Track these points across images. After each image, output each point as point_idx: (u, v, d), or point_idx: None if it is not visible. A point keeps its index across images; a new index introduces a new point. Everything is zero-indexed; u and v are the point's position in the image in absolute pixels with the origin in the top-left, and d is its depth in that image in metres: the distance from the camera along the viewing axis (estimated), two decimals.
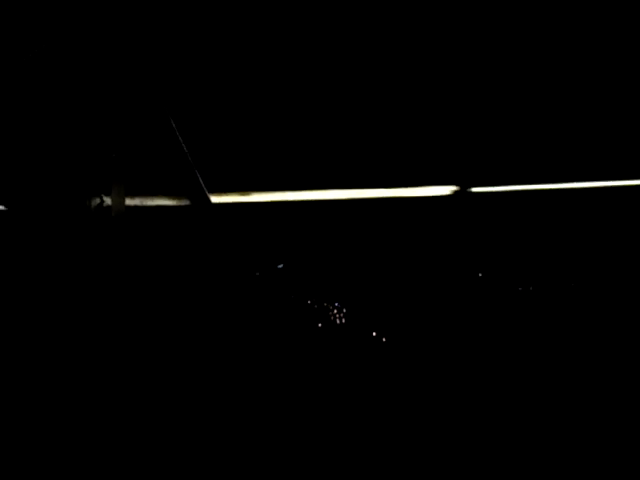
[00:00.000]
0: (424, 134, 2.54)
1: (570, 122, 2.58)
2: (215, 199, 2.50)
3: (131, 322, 1.99)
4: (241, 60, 1.94)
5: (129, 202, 2.62)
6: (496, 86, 2.31)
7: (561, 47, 2.16)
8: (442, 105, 2.39)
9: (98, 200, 2.06)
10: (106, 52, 1.58)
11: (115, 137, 1.96)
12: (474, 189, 2.82)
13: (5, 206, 1.77)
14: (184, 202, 2.47)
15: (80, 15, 1.40)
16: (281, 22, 1.75)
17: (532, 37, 2.12)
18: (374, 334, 2.77)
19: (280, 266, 2.49)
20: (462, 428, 2.51)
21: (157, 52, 1.89)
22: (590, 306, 3.00)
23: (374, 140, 2.48)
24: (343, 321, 2.73)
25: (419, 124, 2.49)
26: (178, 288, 2.48)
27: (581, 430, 2.57)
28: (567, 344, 2.94)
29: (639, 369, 2.81)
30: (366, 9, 1.77)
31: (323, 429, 2.41)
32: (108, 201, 2.20)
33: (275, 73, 2.03)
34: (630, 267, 3.11)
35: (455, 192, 2.81)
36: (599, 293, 3.03)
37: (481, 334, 2.83)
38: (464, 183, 2.81)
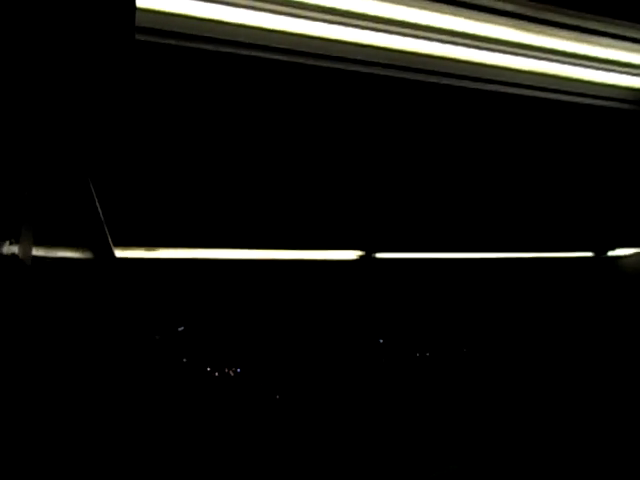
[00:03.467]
0: (332, 198, 2.72)
1: (472, 195, 2.88)
2: (120, 253, 2.51)
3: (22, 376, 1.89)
4: (154, 123, 2.05)
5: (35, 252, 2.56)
6: (405, 161, 2.56)
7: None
8: (350, 174, 2.60)
9: (3, 247, 2.01)
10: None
11: (26, 185, 1.97)
12: (378, 255, 3.03)
13: None
14: (88, 255, 2.46)
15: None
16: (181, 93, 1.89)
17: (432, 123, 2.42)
18: (275, 403, 2.78)
19: (181, 329, 2.49)
20: None
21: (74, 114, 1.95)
22: (482, 371, 3.22)
23: (284, 201, 2.63)
24: (243, 388, 2.74)
25: (328, 187, 2.67)
26: (71, 344, 2.40)
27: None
28: (464, 408, 3.11)
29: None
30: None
31: None
32: (11, 250, 2.15)
33: (185, 139, 2.15)
34: (519, 330, 3.40)
35: (360, 257, 3.00)
36: (490, 358, 3.27)
37: (381, 398, 2.93)
38: (369, 248, 3.01)
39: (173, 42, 1.42)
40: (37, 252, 2.58)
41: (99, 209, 2.36)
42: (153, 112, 1.96)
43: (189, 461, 2.54)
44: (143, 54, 1.54)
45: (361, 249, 2.99)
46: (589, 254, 3.68)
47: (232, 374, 2.72)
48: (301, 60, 1.74)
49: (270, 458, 2.61)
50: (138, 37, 1.43)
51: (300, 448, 2.68)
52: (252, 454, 2.61)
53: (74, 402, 2.25)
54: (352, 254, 2.97)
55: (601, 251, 3.68)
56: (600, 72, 2.25)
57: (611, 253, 3.70)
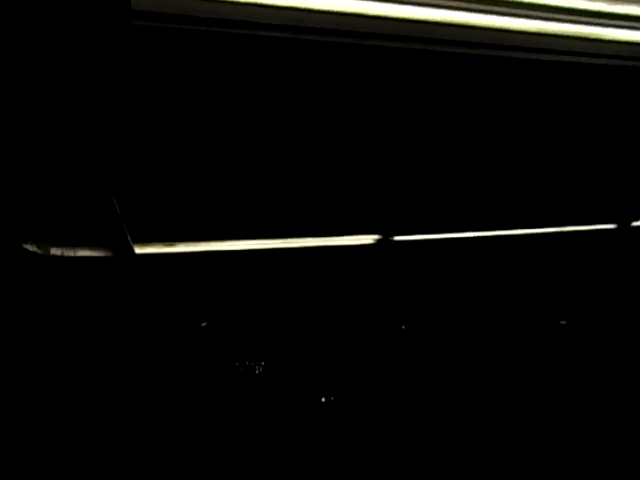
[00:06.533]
0: (348, 185, 2.69)
1: (489, 172, 2.82)
2: (139, 250, 2.52)
3: (48, 377, 1.92)
4: (169, 116, 2.04)
5: (53, 252, 2.59)
6: (420, 147, 2.51)
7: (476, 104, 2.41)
8: (367, 162, 2.56)
9: (24, 248, 2.04)
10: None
11: (42, 185, 1.98)
12: (396, 237, 2.99)
13: None
14: (107, 253, 2.48)
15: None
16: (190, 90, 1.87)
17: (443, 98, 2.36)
18: (303, 398, 2.78)
19: (204, 324, 2.49)
20: None
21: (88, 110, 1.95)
22: (509, 355, 3.17)
23: (302, 190, 2.60)
24: (269, 382, 2.74)
25: (343, 175, 2.64)
26: (97, 344, 2.43)
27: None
28: (487, 391, 3.07)
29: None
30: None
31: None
32: (31, 249, 2.18)
33: (197, 131, 2.13)
34: (542, 307, 3.34)
35: (378, 240, 2.96)
36: (515, 341, 3.22)
37: (407, 382, 2.91)
38: (386, 232, 2.97)
39: (187, 26, 1.39)
40: (57, 251, 2.61)
41: (117, 207, 2.36)
42: (165, 108, 1.95)
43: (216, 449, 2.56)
44: (143, 40, 1.51)
45: (379, 233, 2.96)
46: (612, 226, 3.59)
47: (258, 367, 2.73)
48: (305, 36, 1.69)
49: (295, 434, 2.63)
50: (137, 23, 1.40)
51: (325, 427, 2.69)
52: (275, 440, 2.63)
53: (98, 393, 2.28)
54: (370, 238, 2.94)
55: (624, 222, 3.58)
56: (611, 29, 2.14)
57: (635, 223, 3.60)
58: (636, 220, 3.61)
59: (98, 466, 2.09)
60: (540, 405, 3.07)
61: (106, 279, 2.49)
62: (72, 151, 1.94)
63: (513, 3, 1.74)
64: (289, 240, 2.76)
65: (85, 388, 2.35)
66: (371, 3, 1.57)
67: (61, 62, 1.39)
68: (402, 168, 2.67)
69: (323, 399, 2.82)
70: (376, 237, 2.95)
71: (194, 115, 2.06)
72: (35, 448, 1.69)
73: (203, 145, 2.22)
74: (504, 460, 2.74)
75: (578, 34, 2.19)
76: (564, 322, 3.63)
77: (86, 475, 1.99)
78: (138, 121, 2.01)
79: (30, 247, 2.01)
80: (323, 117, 2.17)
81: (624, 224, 3.59)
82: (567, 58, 2.28)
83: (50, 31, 1.26)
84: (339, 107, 2.09)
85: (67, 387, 2.37)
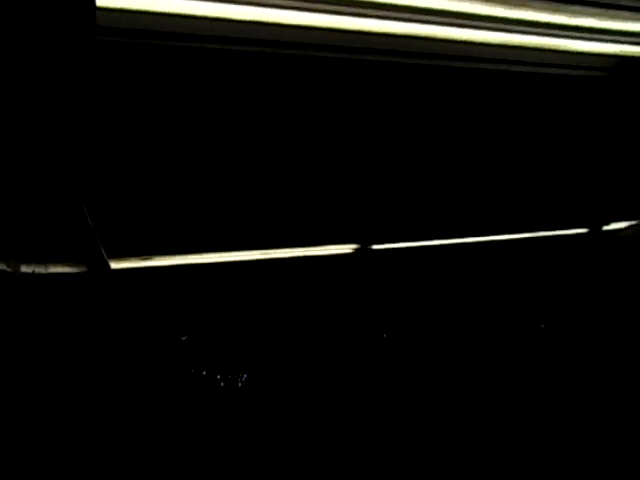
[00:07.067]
0: (325, 196, 2.71)
1: (457, 187, 2.88)
2: (115, 265, 2.48)
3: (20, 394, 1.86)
4: (140, 127, 2.03)
5: (23, 269, 2.53)
6: (394, 158, 2.55)
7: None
8: (341, 173, 2.59)
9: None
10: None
11: (8, 199, 1.94)
12: (374, 246, 3.02)
13: None
14: (81, 269, 2.43)
15: None
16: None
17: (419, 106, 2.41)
18: (286, 408, 2.76)
19: (184, 338, 2.46)
20: None
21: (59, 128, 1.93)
22: (483, 352, 3.22)
23: (279, 202, 2.61)
24: (252, 394, 2.71)
25: (319, 186, 2.66)
26: (76, 362, 2.37)
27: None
28: (468, 397, 3.10)
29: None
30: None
31: None
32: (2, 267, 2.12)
33: (170, 143, 2.13)
34: (519, 312, 3.40)
35: (356, 249, 2.99)
36: (491, 340, 3.27)
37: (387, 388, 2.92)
38: (364, 241, 3.00)
39: (155, 41, 1.39)
40: (27, 269, 2.55)
41: (90, 222, 2.33)
42: (136, 120, 1.94)
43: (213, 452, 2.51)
44: (111, 55, 1.51)
45: (357, 242, 2.98)
46: (584, 230, 3.70)
47: (240, 379, 2.70)
48: (271, 50, 1.72)
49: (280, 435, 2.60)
50: (102, 38, 1.40)
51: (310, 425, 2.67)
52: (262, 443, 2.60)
53: (77, 410, 2.22)
54: (348, 247, 2.96)
55: (596, 226, 3.69)
56: (571, 41, 2.24)
57: (606, 228, 3.71)
58: (607, 225, 3.73)
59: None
60: (521, 405, 3.11)
61: (82, 296, 2.44)
62: (40, 164, 1.91)
63: (475, 16, 1.80)
64: (268, 251, 2.76)
65: (63, 406, 2.28)
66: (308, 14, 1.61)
67: (27, 76, 1.38)
68: (375, 178, 2.71)
69: (307, 407, 2.80)
70: (354, 246, 2.97)
71: (166, 127, 2.06)
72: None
73: (177, 157, 2.21)
74: (494, 460, 2.76)
75: (542, 46, 2.28)
76: (542, 325, 3.71)
77: None
78: (108, 133, 2.00)
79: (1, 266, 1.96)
80: (297, 129, 2.19)
81: (595, 228, 3.70)
82: (532, 69, 2.37)
83: (12, 46, 1.25)
84: (313, 119, 2.11)
85: (45, 404, 2.30)
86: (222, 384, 2.71)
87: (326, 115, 2.11)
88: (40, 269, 2.40)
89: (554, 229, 3.53)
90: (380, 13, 1.58)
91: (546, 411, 3.10)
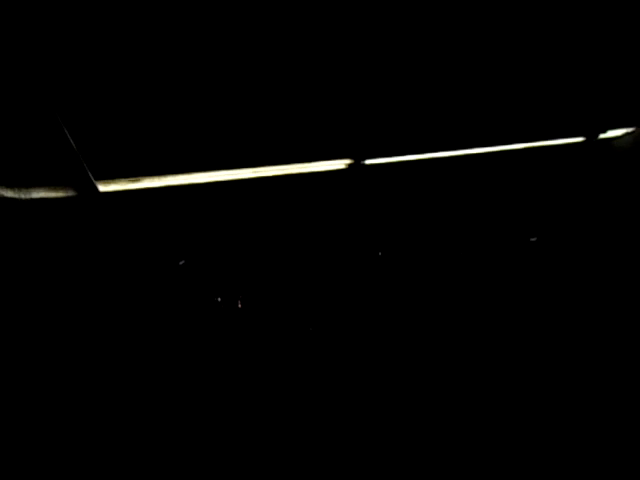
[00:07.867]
0: (316, 110, 2.58)
1: (451, 96, 2.74)
2: (103, 187, 2.41)
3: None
4: (126, 42, 1.86)
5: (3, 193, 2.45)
6: (384, 67, 2.39)
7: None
8: (333, 86, 2.44)
9: None
10: None
11: None
12: (367, 161, 2.96)
13: None
14: (68, 193, 2.36)
15: None
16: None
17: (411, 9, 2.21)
18: (283, 329, 2.86)
19: (182, 262, 2.47)
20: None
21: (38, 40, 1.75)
22: (480, 277, 3.31)
23: (267, 117, 2.49)
24: (252, 317, 2.79)
25: (310, 101, 2.53)
26: (69, 292, 2.39)
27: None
28: (465, 316, 3.24)
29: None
30: None
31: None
32: None
33: (159, 55, 1.96)
34: (514, 228, 3.45)
35: (349, 165, 2.92)
36: (487, 263, 3.35)
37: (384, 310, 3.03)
38: (357, 156, 2.93)
39: None
40: (10, 193, 2.47)
41: (73, 144, 2.21)
42: (116, 21, 1.76)
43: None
44: None
45: (350, 157, 2.91)
46: (580, 139, 3.63)
47: (239, 301, 2.78)
48: None
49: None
50: None
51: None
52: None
53: (68, 347, 2.29)
54: (341, 163, 2.89)
55: (592, 135, 3.62)
56: None
57: (602, 136, 3.64)
58: (603, 132, 3.65)
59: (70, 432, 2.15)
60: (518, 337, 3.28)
61: (71, 221, 2.40)
62: (16, 83, 1.77)
63: None
64: (259, 169, 2.69)
65: (53, 343, 2.35)
66: None
67: None
68: (367, 90, 2.57)
69: (304, 332, 2.93)
70: (348, 161, 2.90)
71: (152, 42, 1.89)
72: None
73: (162, 66, 2.05)
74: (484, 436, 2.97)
75: None
76: (534, 239, 3.78)
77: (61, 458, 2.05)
78: (86, 37, 1.83)
79: None
80: (284, 31, 2.02)
81: (592, 137, 3.63)
82: None
83: None
84: (300, 18, 1.94)
85: (31, 343, 2.36)
86: (221, 307, 2.79)
87: (313, 10, 1.93)
88: (24, 194, 2.32)
89: (551, 138, 3.45)
90: None
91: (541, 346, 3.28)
